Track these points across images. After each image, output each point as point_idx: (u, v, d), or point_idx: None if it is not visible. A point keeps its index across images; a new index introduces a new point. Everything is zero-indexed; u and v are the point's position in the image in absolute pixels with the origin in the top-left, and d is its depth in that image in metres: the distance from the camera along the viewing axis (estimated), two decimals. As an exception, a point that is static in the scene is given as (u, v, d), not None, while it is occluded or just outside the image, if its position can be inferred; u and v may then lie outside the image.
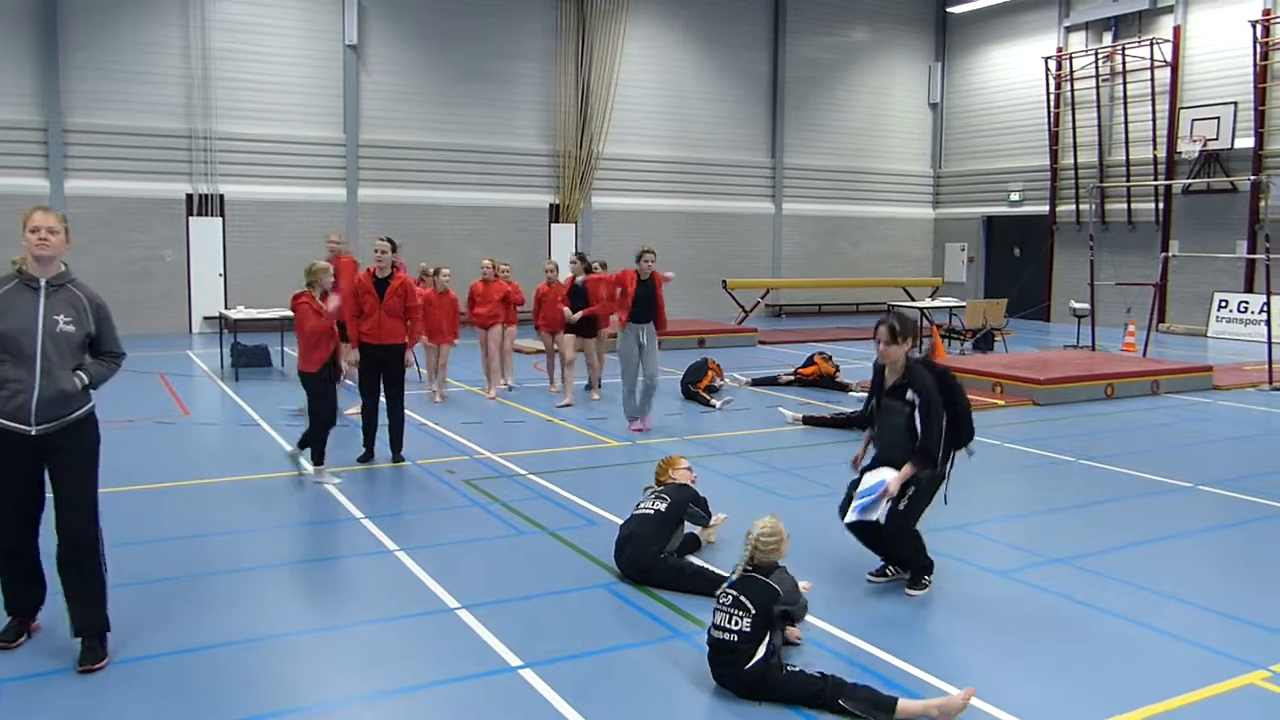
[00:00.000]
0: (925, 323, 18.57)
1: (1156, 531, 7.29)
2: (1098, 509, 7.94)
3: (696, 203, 25.50)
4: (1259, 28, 21.26)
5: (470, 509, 7.70)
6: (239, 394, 12.77)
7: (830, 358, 14.15)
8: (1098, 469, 9.25)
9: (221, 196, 20.35)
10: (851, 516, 5.84)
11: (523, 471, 8.86)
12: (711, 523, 6.72)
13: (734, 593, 4.69)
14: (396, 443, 9.17)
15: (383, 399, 9.17)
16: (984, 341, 18.30)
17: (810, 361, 14.08)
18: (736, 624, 4.57)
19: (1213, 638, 5.29)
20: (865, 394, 11.90)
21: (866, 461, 6.03)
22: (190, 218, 20.08)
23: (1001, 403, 12.58)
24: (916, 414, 5.70)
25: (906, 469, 5.68)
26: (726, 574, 5.05)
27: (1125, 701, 4.53)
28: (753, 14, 26.01)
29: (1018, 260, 27.17)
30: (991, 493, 8.01)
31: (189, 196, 20.12)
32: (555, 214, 23.72)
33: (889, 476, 5.72)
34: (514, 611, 5.55)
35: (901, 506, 5.71)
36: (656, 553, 5.92)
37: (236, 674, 4.75)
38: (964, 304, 19.53)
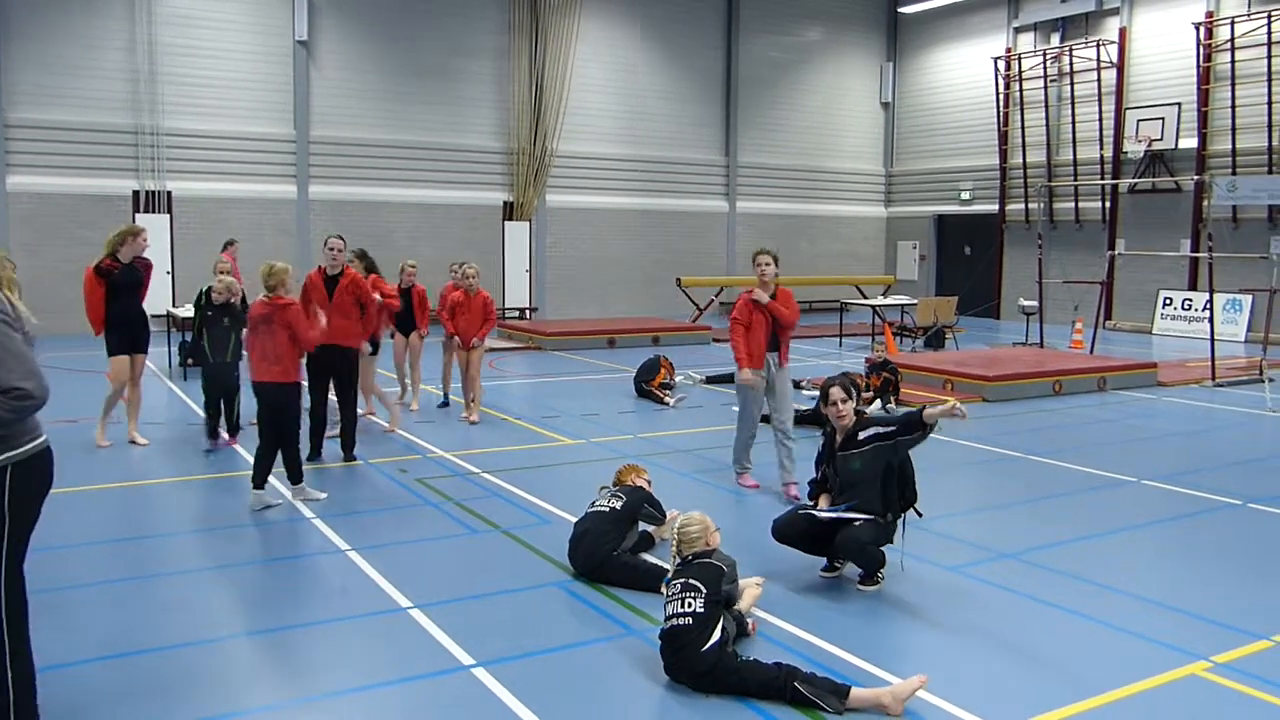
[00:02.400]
0: (878, 320, 18.75)
1: (1102, 526, 7.42)
2: (1045, 504, 8.06)
3: (651, 201, 25.52)
4: (1202, 30, 21.69)
5: (423, 508, 7.64)
6: (187, 393, 12.57)
7: None
8: (1046, 464, 9.38)
9: (169, 193, 20.03)
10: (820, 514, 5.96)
11: (476, 470, 8.81)
12: (667, 520, 6.74)
13: (682, 579, 4.77)
14: (348, 442, 9.09)
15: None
16: (935, 339, 18.49)
17: None
18: (689, 606, 4.62)
19: (1156, 629, 5.39)
20: (815, 391, 12.00)
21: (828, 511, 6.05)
22: (137, 214, 19.73)
23: (952, 400, 12.69)
24: (879, 444, 5.87)
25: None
26: (679, 571, 5.09)
27: (1071, 693, 4.60)
28: (706, 13, 26.09)
29: (968, 258, 27.50)
30: (941, 489, 8.09)
31: (136, 193, 19.77)
32: (509, 211, 23.62)
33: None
34: (466, 610, 5.52)
35: (857, 523, 5.81)
36: (610, 550, 5.92)
37: (184, 677, 4.67)
38: (915, 302, 19.74)
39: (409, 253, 16.91)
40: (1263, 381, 14.06)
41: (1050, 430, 11.15)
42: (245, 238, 18.87)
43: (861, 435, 5.96)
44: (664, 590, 4.89)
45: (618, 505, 6.17)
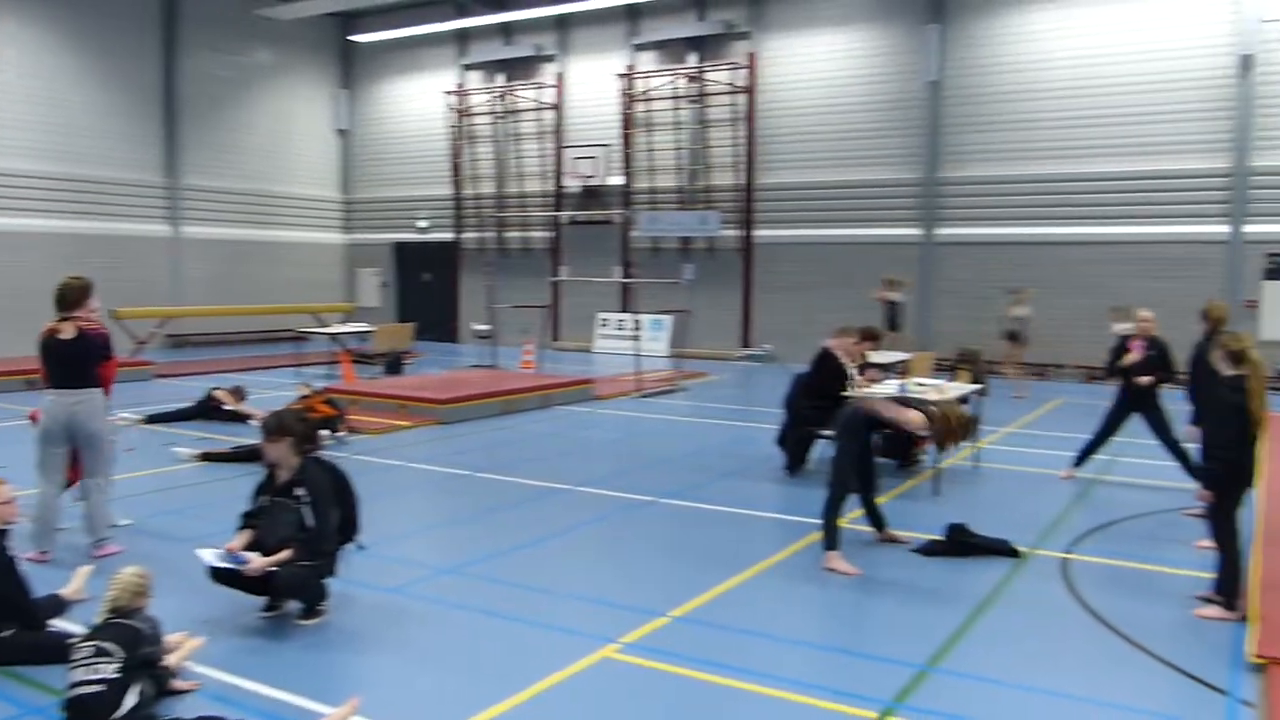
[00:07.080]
0: (337, 348, 18.59)
1: (538, 533, 7.99)
2: (489, 517, 8.52)
3: (82, 224, 22.90)
4: (623, 81, 24.34)
5: None
6: None
7: (237, 390, 13.68)
8: (492, 480, 9.90)
9: None
10: (211, 560, 5.76)
11: None
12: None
13: (94, 642, 4.37)
14: None
15: None
16: (394, 365, 18.74)
17: (209, 395, 13.53)
18: (100, 672, 4.26)
19: (576, 622, 5.93)
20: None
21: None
22: None
23: (407, 424, 12.95)
24: (308, 510, 5.75)
25: (285, 555, 5.67)
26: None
27: (500, 691, 4.90)
28: (138, 23, 24.04)
29: (428, 285, 28.27)
30: (389, 514, 8.20)
31: None
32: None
33: (255, 556, 5.70)
34: None
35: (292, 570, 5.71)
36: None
37: None
38: (374, 329, 19.86)
39: None
40: (676, 391, 16.07)
41: (499, 447, 11.80)
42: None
43: (298, 491, 5.79)
44: (73, 650, 4.43)
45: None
